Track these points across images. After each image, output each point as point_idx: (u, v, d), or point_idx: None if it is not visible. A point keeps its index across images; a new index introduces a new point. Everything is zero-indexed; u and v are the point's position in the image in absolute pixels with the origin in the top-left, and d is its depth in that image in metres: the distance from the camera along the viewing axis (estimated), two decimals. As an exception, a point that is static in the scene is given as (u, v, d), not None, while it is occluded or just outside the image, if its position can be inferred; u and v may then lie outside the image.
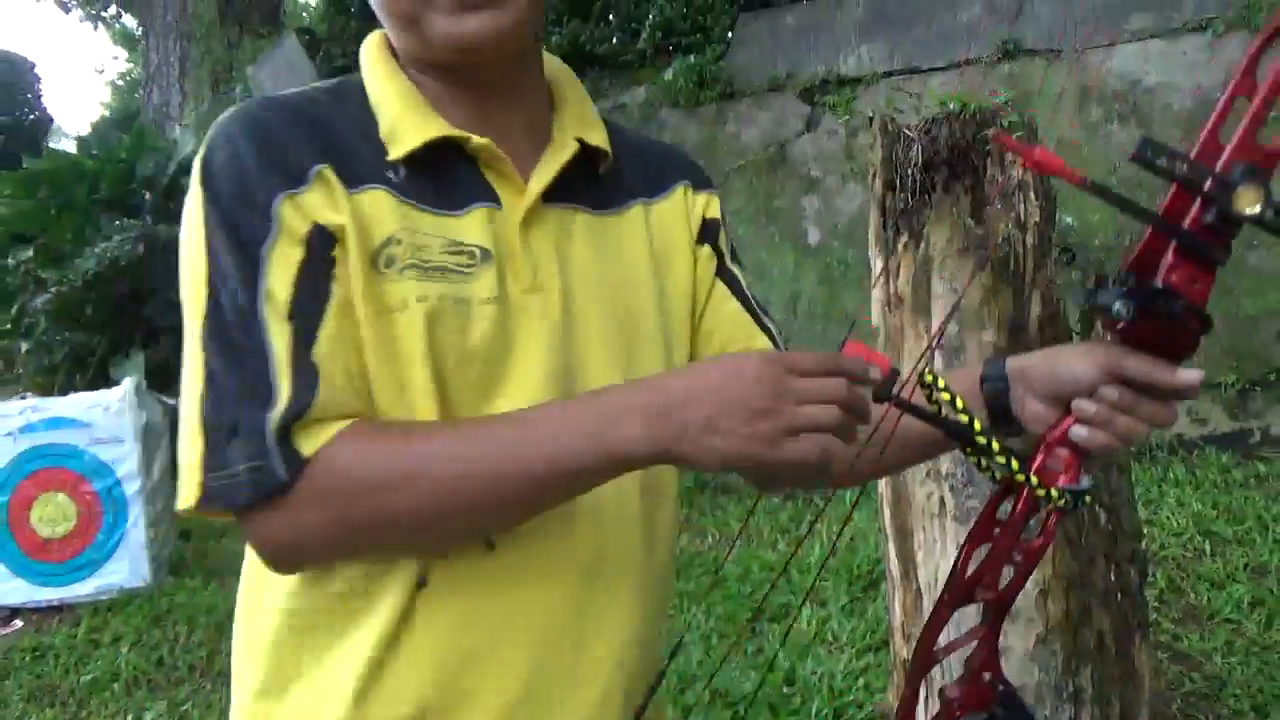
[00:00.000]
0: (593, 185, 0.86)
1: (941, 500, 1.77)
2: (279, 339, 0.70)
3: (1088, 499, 0.73)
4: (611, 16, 5.96)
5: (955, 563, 0.75)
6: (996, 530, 0.74)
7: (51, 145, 9.90)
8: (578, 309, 0.81)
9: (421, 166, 0.78)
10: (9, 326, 5.43)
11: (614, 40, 5.93)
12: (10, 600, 3.99)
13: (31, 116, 9.70)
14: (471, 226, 0.78)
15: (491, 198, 0.79)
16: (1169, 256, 0.68)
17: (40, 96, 9.91)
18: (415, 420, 0.75)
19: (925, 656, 0.80)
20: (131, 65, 22.86)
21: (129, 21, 19.36)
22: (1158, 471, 3.94)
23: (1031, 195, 1.81)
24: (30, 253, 5.44)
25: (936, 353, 1.77)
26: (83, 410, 4.11)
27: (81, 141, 9.32)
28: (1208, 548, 2.97)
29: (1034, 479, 0.71)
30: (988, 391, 0.81)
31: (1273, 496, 3.35)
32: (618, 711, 0.82)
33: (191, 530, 4.76)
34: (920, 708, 0.97)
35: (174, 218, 5.80)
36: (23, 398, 4.77)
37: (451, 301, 0.75)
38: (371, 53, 0.84)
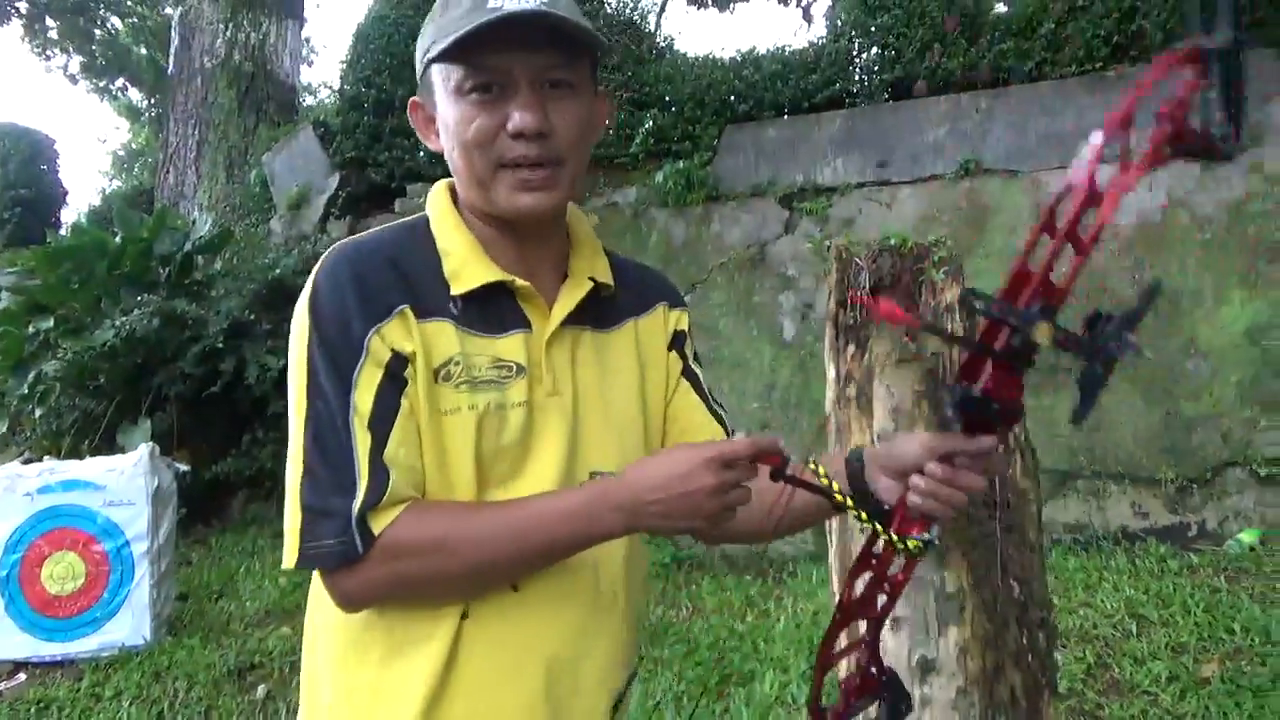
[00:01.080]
0: (596, 308, 1.13)
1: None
2: (361, 444, 0.94)
3: (936, 542, 0.98)
4: (607, 122, 6.41)
5: (840, 592, 1.06)
6: (873, 563, 1.05)
7: (63, 217, 10.30)
8: (583, 408, 1.09)
9: (474, 300, 1.03)
10: (25, 392, 5.65)
11: (610, 144, 6.35)
12: (17, 654, 4.11)
13: (48, 191, 10.10)
14: (510, 347, 1.05)
15: (525, 324, 1.06)
16: (988, 369, 0.88)
17: (58, 172, 10.33)
18: (456, 503, 1.00)
19: (823, 660, 1.10)
20: (134, 137, 23.41)
21: (134, 95, 20.01)
22: (1101, 560, 4.23)
23: (957, 316, 2.16)
24: (50, 322, 5.71)
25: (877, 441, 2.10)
26: (99, 473, 4.31)
27: (94, 215, 9.71)
28: (1134, 628, 3.26)
29: (890, 534, 0.97)
30: (850, 472, 1.06)
31: (1199, 584, 3.66)
32: (603, 715, 1.09)
33: (189, 592, 4.95)
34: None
35: (188, 293, 6.13)
36: (26, 460, 4.97)
37: (494, 407, 1.01)
38: (440, 203, 1.10)
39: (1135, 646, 3.13)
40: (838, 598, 1.06)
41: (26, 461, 4.74)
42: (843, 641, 1.09)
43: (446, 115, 1.03)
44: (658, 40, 7.01)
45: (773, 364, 5.70)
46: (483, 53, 0.98)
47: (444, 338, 1.01)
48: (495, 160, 1.01)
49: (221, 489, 6.27)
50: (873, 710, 1.11)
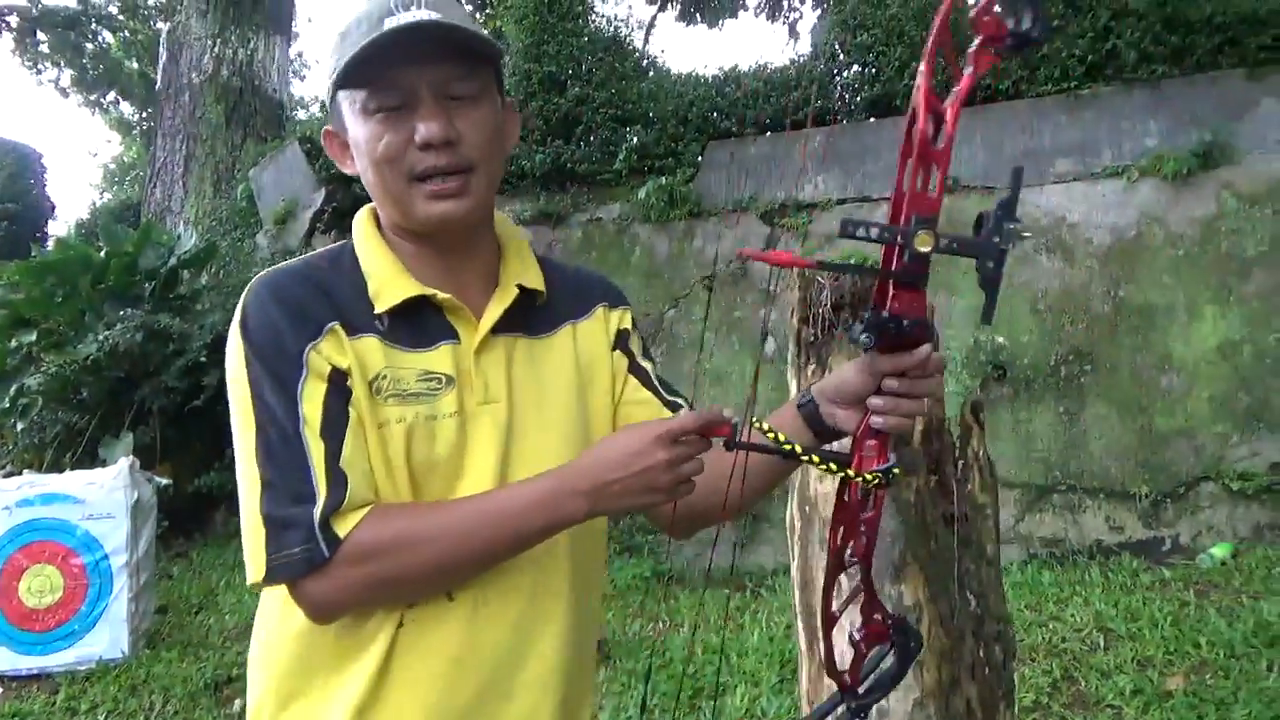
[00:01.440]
0: (530, 315, 1.15)
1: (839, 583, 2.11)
2: (316, 452, 0.96)
3: (896, 472, 0.98)
4: (592, 139, 6.48)
5: (829, 543, 1.03)
6: (849, 509, 1.02)
7: (51, 230, 10.32)
8: (519, 413, 1.11)
9: (400, 316, 1.05)
10: (6, 405, 5.66)
11: (593, 160, 6.41)
12: (-7, 667, 4.15)
13: (35, 205, 10.12)
14: (438, 359, 1.07)
15: (452, 335, 1.08)
16: (890, 291, 0.92)
17: (45, 186, 10.35)
18: (419, 502, 1.03)
19: (828, 616, 1.07)
20: (125, 150, 23.42)
21: (125, 108, 20.04)
22: (1075, 574, 4.27)
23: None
24: (33, 336, 5.72)
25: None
26: (78, 487, 4.32)
27: (81, 228, 9.73)
28: (1102, 641, 3.30)
29: (850, 471, 0.98)
30: (804, 413, 1.08)
31: (1168, 598, 3.70)
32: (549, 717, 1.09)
33: (169, 605, 4.95)
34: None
35: (172, 308, 6.15)
36: (7, 474, 4.97)
37: (424, 419, 1.03)
38: (362, 227, 1.14)
39: (1102, 660, 3.16)
40: (828, 550, 1.05)
41: (7, 475, 4.74)
42: (842, 593, 1.09)
43: (357, 136, 1.05)
44: (641, 58, 7.08)
45: (751, 377, 5.74)
46: (383, 71, 1.00)
47: (372, 353, 1.03)
48: (407, 173, 1.03)
49: (204, 502, 6.27)
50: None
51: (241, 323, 1.02)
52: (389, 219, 1.11)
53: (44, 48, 16.91)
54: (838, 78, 6.22)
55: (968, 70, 0.88)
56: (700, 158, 6.26)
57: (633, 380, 1.25)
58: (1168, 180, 5.08)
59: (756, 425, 1.01)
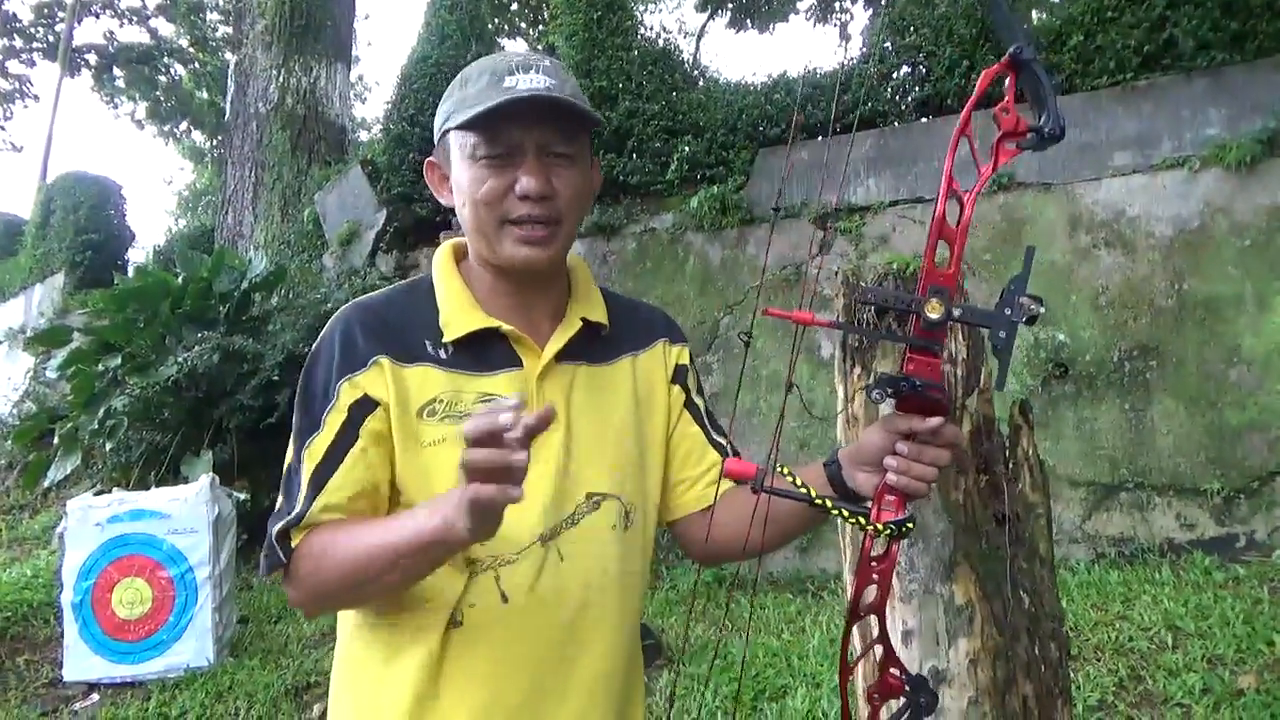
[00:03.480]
0: (593, 345, 1.24)
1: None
2: (306, 473, 1.09)
3: (910, 526, 1.04)
4: (644, 150, 6.56)
5: (849, 595, 1.11)
6: (871, 563, 1.08)
7: (130, 258, 10.78)
8: (577, 436, 1.19)
9: (466, 344, 1.15)
10: (95, 427, 5.95)
11: (645, 172, 6.50)
12: (90, 676, 4.34)
13: (116, 234, 10.61)
14: (501, 383, 1.16)
15: (516, 363, 1.18)
16: (906, 354, 1.00)
17: (125, 215, 10.84)
18: (346, 521, 1.08)
19: (843, 668, 1.12)
20: (197, 177, 24.31)
21: (197, 137, 20.83)
22: (1145, 573, 4.20)
23: (960, 335, 2.22)
24: (118, 360, 6.01)
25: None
26: (163, 503, 4.54)
27: (158, 255, 10.15)
28: (1171, 640, 3.25)
29: (862, 520, 1.03)
30: (829, 473, 1.14)
31: (1241, 596, 3.62)
32: None
33: (249, 615, 5.16)
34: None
35: (245, 330, 6.40)
36: (98, 492, 5.24)
37: None
38: (441, 261, 1.25)
39: (1170, 659, 3.11)
40: (849, 602, 1.11)
41: (98, 493, 4.99)
42: (857, 646, 1.14)
43: (460, 176, 1.16)
44: (691, 69, 7.15)
45: (810, 382, 5.75)
46: (497, 125, 1.11)
47: (429, 380, 1.14)
48: (501, 217, 1.14)
49: (280, 516, 6.49)
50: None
51: (312, 353, 1.16)
52: (476, 251, 1.21)
53: (120, 82, 17.69)
54: (889, 79, 6.20)
55: (986, 163, 0.97)
56: (751, 165, 6.30)
57: (686, 415, 1.33)
58: (1231, 169, 4.96)
59: (782, 471, 1.08)
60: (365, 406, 1.12)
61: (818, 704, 3.05)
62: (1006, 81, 1.01)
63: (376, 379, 1.12)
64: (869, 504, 1.08)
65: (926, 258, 0.98)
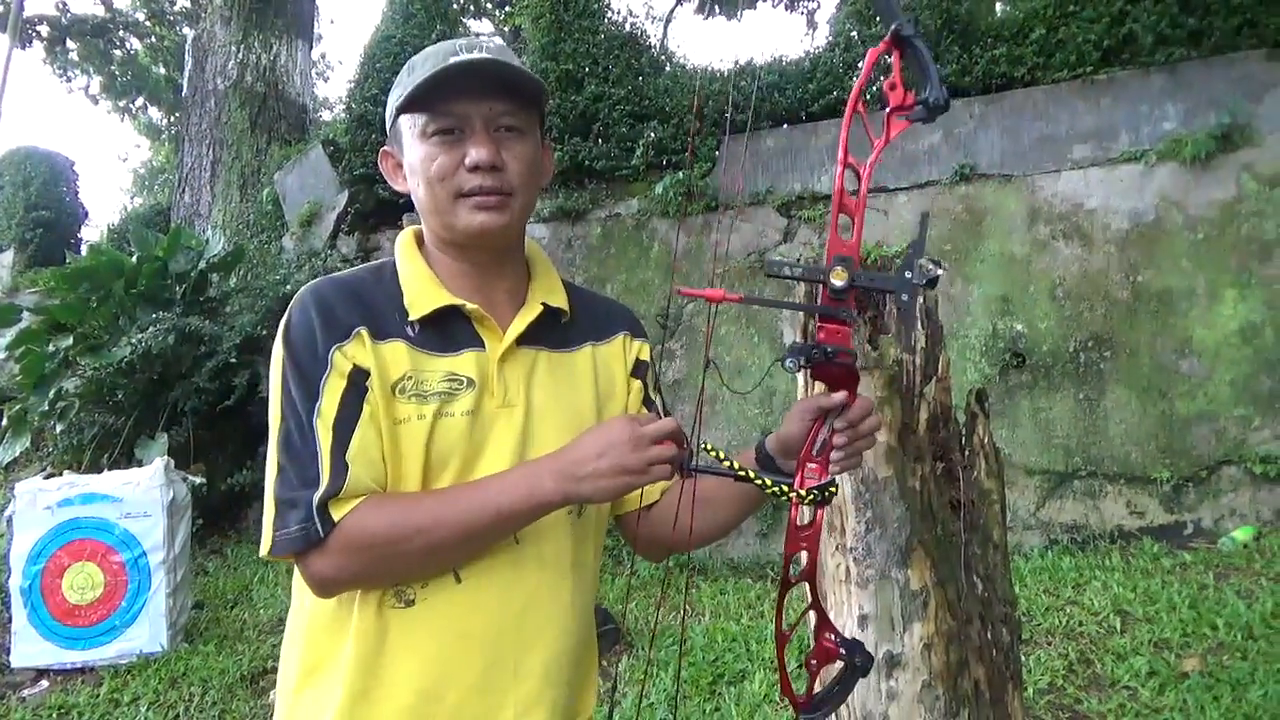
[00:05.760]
0: (553, 331, 1.25)
1: (847, 569, 2.16)
2: (324, 443, 1.07)
3: (833, 490, 1.08)
4: (609, 135, 6.53)
5: (783, 565, 1.13)
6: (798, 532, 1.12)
7: (83, 236, 10.54)
8: (536, 419, 1.19)
9: (431, 324, 1.16)
10: (46, 408, 5.82)
11: (611, 156, 6.47)
12: (39, 662, 4.26)
13: (68, 211, 10.35)
14: (463, 363, 1.16)
15: (479, 343, 1.18)
16: (816, 322, 1.05)
17: (78, 192, 10.56)
18: (412, 492, 1.11)
19: (779, 636, 1.16)
20: (153, 155, 23.79)
21: (154, 113, 20.36)
22: (1095, 559, 4.29)
23: (920, 325, 2.24)
24: (70, 341, 5.88)
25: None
26: (116, 487, 4.45)
27: (113, 234, 9.93)
28: (1119, 625, 3.32)
29: (785, 488, 1.07)
30: (761, 463, 1.19)
31: (1188, 581, 3.71)
32: (549, 706, 1.17)
33: (205, 600, 5.09)
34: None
35: (202, 311, 6.28)
36: (48, 475, 5.13)
37: (437, 416, 1.12)
38: (404, 245, 1.25)
39: (1118, 643, 3.19)
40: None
41: (48, 476, 4.88)
42: (791, 615, 1.16)
43: (413, 157, 1.17)
44: (659, 53, 7.12)
45: (773, 369, 5.78)
46: (444, 101, 1.13)
47: (399, 356, 1.13)
48: (454, 191, 1.15)
49: (237, 500, 6.42)
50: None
51: (285, 325, 1.13)
52: (432, 232, 1.22)
53: (73, 55, 17.22)
54: (854, 68, 6.22)
55: (879, 138, 1.03)
56: (717, 152, 6.30)
57: (643, 410, 1.34)
58: (1186, 164, 5.05)
59: (705, 448, 1.11)
60: (361, 375, 1.11)
61: (775, 688, 3.08)
62: (892, 58, 1.05)
63: (360, 349, 1.12)
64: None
65: (831, 230, 1.03)
